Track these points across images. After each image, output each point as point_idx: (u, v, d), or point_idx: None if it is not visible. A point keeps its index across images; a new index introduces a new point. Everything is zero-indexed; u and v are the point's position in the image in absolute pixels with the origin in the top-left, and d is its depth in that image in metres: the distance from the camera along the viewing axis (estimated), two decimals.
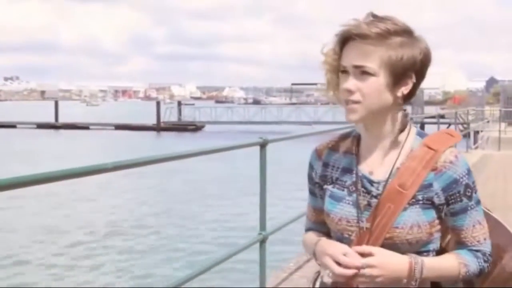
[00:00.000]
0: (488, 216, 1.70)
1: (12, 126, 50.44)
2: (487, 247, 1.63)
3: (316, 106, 56.36)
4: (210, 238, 12.32)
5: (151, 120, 48.45)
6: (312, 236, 1.72)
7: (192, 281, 3.16)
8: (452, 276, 1.60)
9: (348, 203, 1.62)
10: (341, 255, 1.55)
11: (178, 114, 49.18)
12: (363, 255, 1.55)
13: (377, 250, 1.54)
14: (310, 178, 1.74)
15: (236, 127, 44.67)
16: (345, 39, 1.57)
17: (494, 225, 1.70)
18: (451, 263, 1.59)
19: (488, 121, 26.82)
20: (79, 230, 13.18)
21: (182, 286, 3.05)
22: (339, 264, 1.54)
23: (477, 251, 1.62)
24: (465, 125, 27.55)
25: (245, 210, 13.91)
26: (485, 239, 1.63)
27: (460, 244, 1.63)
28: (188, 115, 49.39)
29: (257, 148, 3.51)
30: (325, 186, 1.68)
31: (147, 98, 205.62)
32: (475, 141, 21.90)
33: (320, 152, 1.72)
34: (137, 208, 15.81)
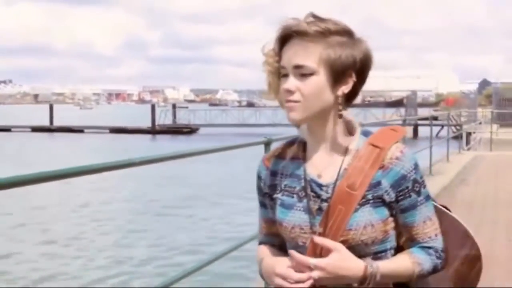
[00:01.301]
0: (445, 215, 1.69)
1: (7, 129, 50.42)
2: (439, 243, 1.62)
3: None
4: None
5: (146, 123, 48.59)
6: (263, 250, 1.70)
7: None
8: (406, 277, 1.58)
9: (300, 210, 1.59)
10: (291, 272, 1.53)
11: (172, 117, 49.39)
12: (322, 249, 1.53)
13: (337, 247, 1.52)
14: (259, 189, 1.70)
15: (230, 130, 44.88)
16: (285, 38, 1.56)
17: (450, 223, 1.69)
18: (405, 264, 1.57)
19: (480, 123, 27.13)
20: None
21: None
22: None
23: (429, 248, 1.61)
24: (457, 127, 27.87)
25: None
26: (436, 235, 1.62)
27: (412, 241, 1.61)
28: (183, 118, 49.56)
29: (258, 148, 3.72)
30: (274, 195, 1.64)
31: (141, 101, 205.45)
32: (468, 142, 22.21)
33: (267, 161, 1.69)
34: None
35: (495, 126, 23.27)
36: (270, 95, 1.63)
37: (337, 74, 1.53)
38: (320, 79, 1.53)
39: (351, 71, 1.55)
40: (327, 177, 1.58)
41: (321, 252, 1.53)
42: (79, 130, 49.79)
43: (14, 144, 37.40)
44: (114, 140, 40.83)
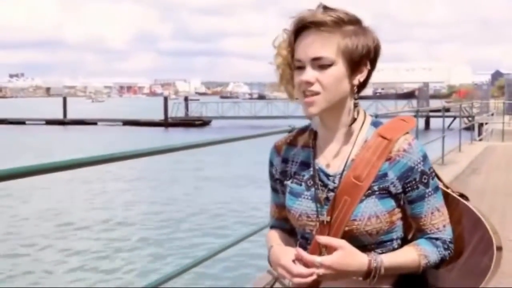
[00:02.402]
0: (457, 202, 1.69)
1: (21, 122, 50.92)
2: (447, 234, 1.62)
3: None
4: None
5: (157, 116, 48.87)
6: (273, 235, 1.71)
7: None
8: (412, 269, 1.57)
9: (307, 198, 1.60)
10: (293, 266, 1.52)
11: (185, 109, 49.62)
12: (327, 247, 1.54)
13: (341, 245, 1.51)
14: (271, 175, 1.71)
15: (242, 122, 45.08)
16: (299, 29, 1.54)
17: (462, 211, 1.69)
18: (411, 257, 1.57)
19: (492, 114, 27.20)
20: None
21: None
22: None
23: (436, 239, 1.60)
24: (469, 118, 27.93)
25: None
26: (444, 226, 1.61)
27: (420, 232, 1.61)
28: (195, 110, 49.71)
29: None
30: (285, 182, 1.66)
31: (152, 94, 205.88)
32: (480, 133, 22.34)
33: (279, 148, 1.69)
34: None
35: (507, 117, 23.37)
36: (280, 87, 1.63)
37: (354, 64, 1.54)
38: (339, 69, 1.52)
39: (366, 60, 1.56)
40: (335, 167, 1.59)
41: (325, 245, 1.54)
42: (92, 123, 50.17)
43: (33, 136, 37.81)
44: (128, 132, 41.21)
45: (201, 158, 22.50)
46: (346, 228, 1.54)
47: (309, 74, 1.52)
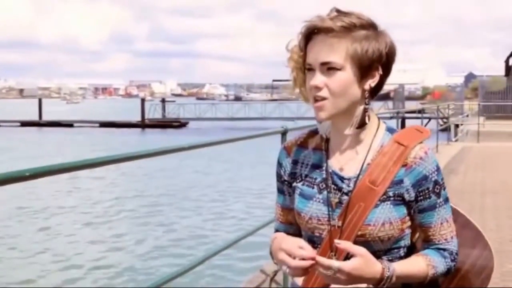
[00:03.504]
0: (457, 214, 1.69)
1: None
2: (454, 245, 1.62)
3: (298, 102, 56.86)
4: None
5: (134, 117, 48.73)
6: (277, 235, 1.69)
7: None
8: (420, 278, 1.58)
9: (319, 201, 1.58)
10: (296, 248, 1.51)
11: (162, 111, 49.55)
12: (337, 252, 1.54)
13: (362, 253, 1.49)
14: (279, 176, 1.69)
15: (220, 123, 45.18)
16: (310, 34, 1.55)
17: (463, 223, 1.70)
18: (420, 266, 1.57)
19: (467, 115, 27.66)
20: None
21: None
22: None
23: (444, 250, 1.61)
24: (444, 120, 28.38)
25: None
26: (452, 237, 1.62)
27: (428, 242, 1.61)
28: (172, 112, 49.71)
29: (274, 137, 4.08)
30: (294, 184, 1.64)
31: (128, 95, 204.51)
32: (455, 134, 22.74)
33: (289, 149, 1.68)
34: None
35: (481, 118, 23.84)
36: (294, 90, 1.63)
37: (364, 69, 1.53)
38: (348, 74, 1.52)
39: (378, 64, 1.55)
40: (350, 171, 1.58)
41: (336, 248, 1.53)
42: (68, 125, 49.80)
43: (8, 139, 37.38)
44: (106, 134, 40.99)
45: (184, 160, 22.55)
46: (359, 233, 1.53)
47: (318, 79, 1.53)
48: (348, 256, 1.52)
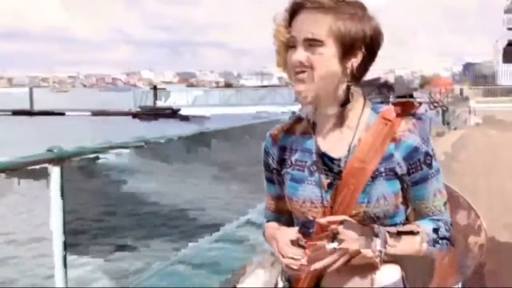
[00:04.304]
0: (446, 189, 1.67)
1: None
2: (447, 215, 1.63)
3: (289, 88, 56.63)
4: None
5: (125, 105, 48.58)
6: (269, 224, 1.72)
7: None
8: (415, 247, 1.56)
9: (311, 184, 1.59)
10: (286, 245, 1.54)
11: (154, 98, 49.43)
12: (331, 224, 1.53)
13: (344, 217, 1.52)
14: (267, 165, 1.69)
15: (212, 110, 45.09)
16: (295, 9, 1.55)
17: (450, 196, 1.70)
18: (412, 228, 1.57)
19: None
20: None
21: None
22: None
23: (438, 220, 1.61)
24: (435, 104, 28.67)
25: None
26: (445, 207, 1.62)
27: (422, 214, 1.61)
28: (164, 99, 49.60)
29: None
30: (284, 170, 1.64)
31: (118, 83, 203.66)
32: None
33: (275, 136, 1.68)
34: None
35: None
36: (279, 66, 1.62)
37: (346, 47, 1.53)
38: (330, 50, 1.52)
39: (361, 44, 1.54)
40: (339, 151, 1.58)
41: (327, 228, 1.53)
42: (60, 113, 49.64)
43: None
44: (99, 122, 40.89)
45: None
46: (354, 211, 1.54)
47: (300, 53, 1.53)
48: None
